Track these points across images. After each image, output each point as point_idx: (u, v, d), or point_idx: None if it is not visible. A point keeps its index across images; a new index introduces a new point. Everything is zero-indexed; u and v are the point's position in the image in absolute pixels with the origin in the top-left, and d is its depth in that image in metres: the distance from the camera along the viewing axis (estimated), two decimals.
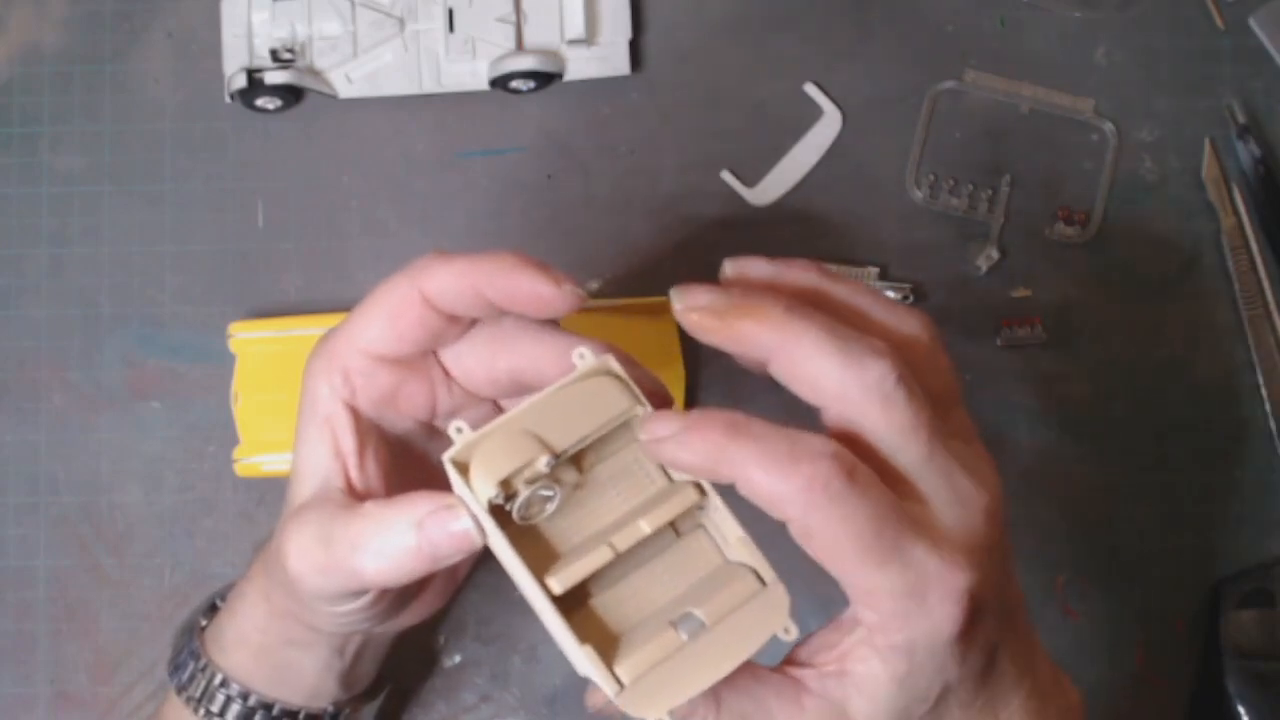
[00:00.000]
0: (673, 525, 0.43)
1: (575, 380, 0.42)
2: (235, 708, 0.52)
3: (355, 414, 0.46)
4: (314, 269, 0.66)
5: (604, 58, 0.66)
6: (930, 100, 0.67)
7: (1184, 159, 0.68)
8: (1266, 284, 0.66)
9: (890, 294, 0.65)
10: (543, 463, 0.40)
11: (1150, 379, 0.66)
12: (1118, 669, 0.65)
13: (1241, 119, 0.67)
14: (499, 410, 0.49)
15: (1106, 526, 0.65)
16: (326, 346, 0.46)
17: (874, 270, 0.66)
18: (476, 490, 0.40)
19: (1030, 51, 0.68)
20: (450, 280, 0.44)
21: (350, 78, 0.66)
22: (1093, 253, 0.67)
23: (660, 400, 0.44)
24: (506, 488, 0.41)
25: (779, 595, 0.42)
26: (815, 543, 0.39)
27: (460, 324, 0.46)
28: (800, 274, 0.44)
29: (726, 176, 0.67)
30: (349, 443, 0.46)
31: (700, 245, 0.66)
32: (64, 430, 0.66)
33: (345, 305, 0.47)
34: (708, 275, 0.44)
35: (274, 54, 0.65)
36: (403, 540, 0.42)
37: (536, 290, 0.43)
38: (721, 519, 0.43)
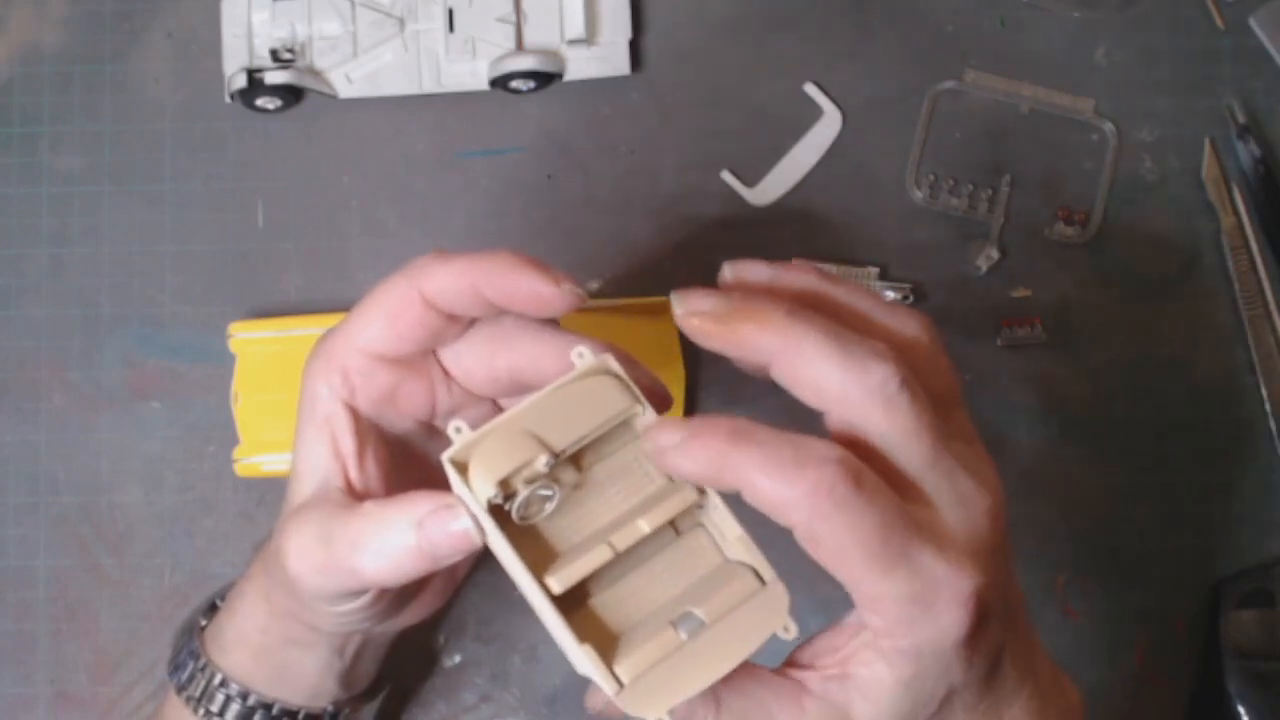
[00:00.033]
0: (672, 524, 0.43)
1: (574, 379, 0.42)
2: (235, 707, 0.52)
3: (354, 414, 0.46)
4: (314, 269, 0.66)
5: (604, 58, 0.66)
6: (930, 100, 0.67)
7: (1184, 159, 0.68)
8: (1266, 284, 0.66)
9: (890, 294, 0.65)
10: (542, 462, 0.40)
11: (1150, 379, 0.66)
12: (1118, 669, 0.65)
13: (1241, 119, 0.67)
14: (498, 409, 0.49)
15: (1106, 526, 0.65)
16: (325, 346, 0.46)
17: (874, 270, 0.66)
18: (476, 490, 0.40)
19: (1030, 51, 0.68)
20: (449, 280, 0.44)
21: (350, 78, 0.66)
22: (1093, 253, 0.67)
23: (659, 399, 0.44)
24: (505, 487, 0.41)
25: (778, 594, 0.42)
26: (821, 549, 0.39)
27: (459, 323, 0.46)
28: (799, 277, 0.44)
29: (726, 176, 0.67)
30: (348, 443, 0.46)
31: (700, 245, 0.66)
32: (64, 430, 0.66)
33: (345, 305, 0.47)
34: (708, 275, 0.44)
35: (274, 54, 0.65)
36: (402, 540, 0.42)
37: (535, 289, 0.43)
38: (721, 518, 0.43)
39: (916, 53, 0.68)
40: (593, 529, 0.43)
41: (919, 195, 0.67)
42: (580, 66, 0.66)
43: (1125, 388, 0.66)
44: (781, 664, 0.43)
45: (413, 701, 0.64)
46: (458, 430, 0.41)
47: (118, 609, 0.65)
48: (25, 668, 0.65)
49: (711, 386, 0.65)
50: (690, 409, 0.65)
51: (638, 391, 0.42)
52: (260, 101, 0.66)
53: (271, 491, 0.65)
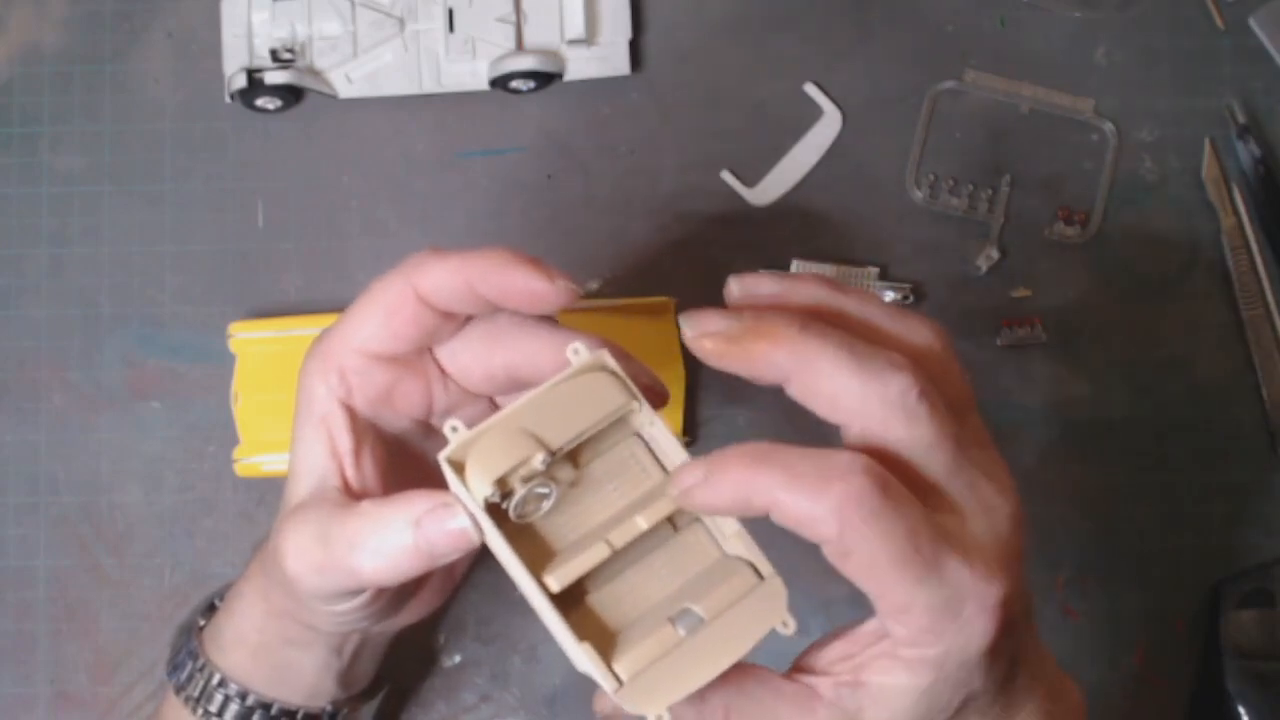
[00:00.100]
0: (670, 520, 0.43)
1: (570, 376, 0.42)
2: (233, 707, 0.52)
3: (351, 413, 0.46)
4: (314, 269, 0.67)
5: (604, 58, 0.66)
6: (930, 100, 0.67)
7: (1184, 159, 0.67)
8: (1266, 284, 0.66)
9: (890, 294, 0.65)
10: (538, 460, 0.40)
11: (1150, 379, 0.66)
12: (1118, 669, 0.65)
13: (1241, 119, 0.67)
14: (495, 407, 0.49)
15: (1106, 526, 0.65)
16: (322, 346, 0.46)
17: (874, 270, 0.66)
18: (473, 489, 0.40)
19: (1030, 51, 0.68)
20: (444, 277, 0.44)
21: (350, 78, 0.66)
22: (1093, 253, 0.67)
23: (655, 395, 0.44)
24: (502, 486, 0.41)
25: (776, 589, 0.42)
26: (851, 561, 0.38)
27: (455, 321, 0.46)
28: (809, 289, 0.43)
29: (726, 176, 0.67)
30: (345, 442, 0.46)
31: (700, 245, 0.66)
32: (64, 430, 0.66)
33: (345, 305, 0.47)
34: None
35: (274, 54, 0.66)
36: (400, 539, 0.42)
37: (530, 285, 0.43)
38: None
39: (916, 53, 0.68)
40: (590, 526, 0.43)
41: (919, 195, 0.67)
42: (580, 66, 0.66)
43: (1125, 388, 0.66)
44: (790, 669, 0.43)
45: (412, 701, 0.64)
46: (454, 429, 0.41)
47: (118, 609, 0.65)
48: (25, 668, 0.65)
49: (711, 386, 0.65)
50: (690, 409, 0.65)
51: (634, 387, 0.42)
52: (260, 101, 0.66)
53: (271, 491, 0.65)
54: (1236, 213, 0.67)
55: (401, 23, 0.66)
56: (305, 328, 0.63)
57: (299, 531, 0.45)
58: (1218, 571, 0.65)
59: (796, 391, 0.41)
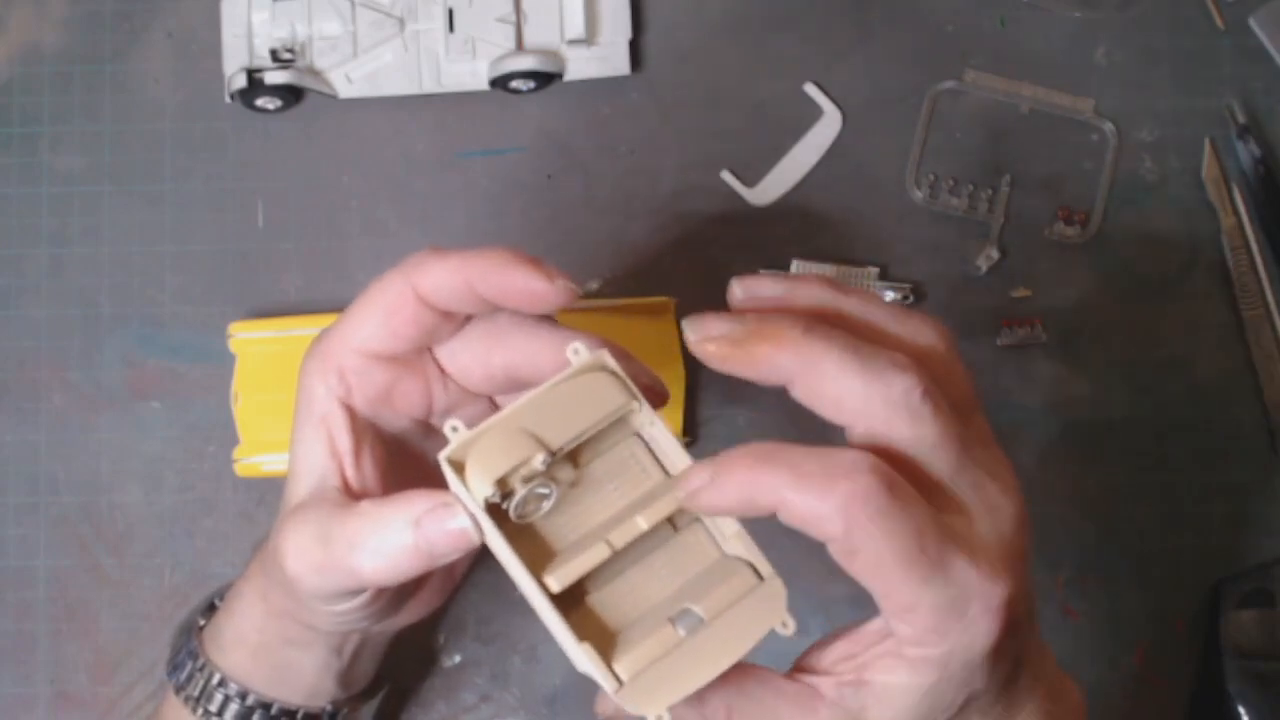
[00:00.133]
0: (670, 520, 0.43)
1: (570, 376, 0.42)
2: (233, 707, 0.52)
3: (351, 413, 0.46)
4: (314, 269, 0.67)
5: (604, 58, 0.66)
6: (930, 100, 0.67)
7: (1184, 159, 0.67)
8: (1266, 284, 0.66)
9: (890, 294, 0.65)
10: (538, 460, 0.40)
11: (1150, 379, 0.66)
12: (1118, 669, 0.65)
13: (1241, 119, 0.67)
14: (495, 407, 0.49)
15: (1106, 526, 0.65)
16: (321, 345, 0.46)
17: (874, 270, 0.66)
18: (473, 489, 0.40)
19: (1030, 51, 0.68)
20: (444, 276, 0.44)
21: (350, 78, 0.66)
22: (1093, 253, 0.67)
23: (655, 394, 0.44)
24: (503, 486, 0.41)
25: (776, 589, 0.42)
26: (857, 560, 0.38)
27: (455, 320, 0.46)
28: (812, 291, 0.43)
29: (726, 176, 0.67)
30: (345, 442, 0.46)
31: (700, 245, 0.66)
32: (64, 430, 0.66)
33: (345, 305, 0.47)
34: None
35: (274, 54, 0.66)
36: (400, 538, 0.42)
37: (529, 285, 0.43)
38: None
39: (916, 53, 0.68)
40: (590, 526, 0.43)
41: (919, 195, 0.67)
42: (580, 66, 0.66)
43: (1125, 388, 0.66)
44: (791, 669, 0.43)
45: (412, 701, 0.64)
46: (454, 429, 0.41)
47: (118, 609, 0.65)
48: (25, 668, 0.65)
49: (711, 386, 0.65)
50: (690, 409, 0.65)
51: (634, 387, 0.42)
52: (260, 101, 0.66)
53: (271, 491, 0.65)
54: (1236, 213, 0.67)
55: (401, 23, 0.66)
56: (305, 328, 0.63)
57: (299, 531, 0.45)
58: (1218, 571, 0.65)
59: (800, 393, 0.40)
